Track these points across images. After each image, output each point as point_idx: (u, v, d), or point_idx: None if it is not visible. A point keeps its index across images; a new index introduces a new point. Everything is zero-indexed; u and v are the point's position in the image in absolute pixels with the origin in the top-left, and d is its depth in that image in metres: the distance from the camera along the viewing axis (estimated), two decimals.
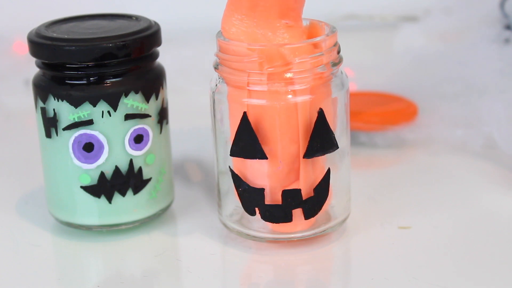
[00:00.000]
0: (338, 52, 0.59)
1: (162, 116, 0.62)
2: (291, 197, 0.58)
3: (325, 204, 0.60)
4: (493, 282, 0.56)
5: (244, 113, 0.57)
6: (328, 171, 0.59)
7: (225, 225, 0.62)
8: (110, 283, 0.58)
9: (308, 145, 0.57)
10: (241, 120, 0.57)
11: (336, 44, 0.59)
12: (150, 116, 0.61)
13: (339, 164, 0.60)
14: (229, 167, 0.59)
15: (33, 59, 0.61)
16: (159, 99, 0.62)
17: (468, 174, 0.70)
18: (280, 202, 0.58)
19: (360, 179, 0.69)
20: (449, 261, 0.58)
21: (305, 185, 0.58)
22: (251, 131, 0.57)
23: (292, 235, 0.59)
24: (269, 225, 0.59)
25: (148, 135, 0.61)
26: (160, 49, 0.63)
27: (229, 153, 0.58)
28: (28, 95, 0.68)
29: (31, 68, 0.64)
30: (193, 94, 0.90)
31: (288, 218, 0.59)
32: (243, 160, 0.58)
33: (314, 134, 0.57)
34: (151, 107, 0.61)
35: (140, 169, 0.61)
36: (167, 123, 0.63)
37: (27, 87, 0.90)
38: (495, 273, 0.57)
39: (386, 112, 0.76)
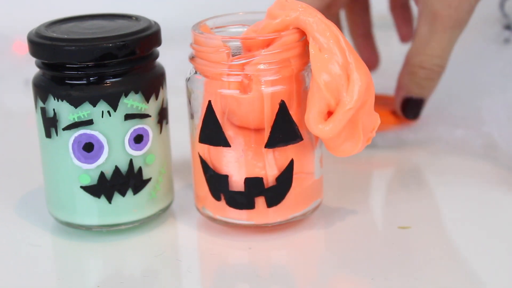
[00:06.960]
0: None
1: (162, 116, 0.62)
2: (254, 185, 0.59)
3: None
4: (493, 282, 0.56)
5: (209, 101, 0.58)
6: (291, 161, 0.59)
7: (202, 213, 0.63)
8: (110, 283, 0.58)
9: (269, 135, 0.58)
10: (206, 109, 0.59)
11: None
12: (150, 116, 0.61)
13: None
14: (198, 153, 0.61)
15: (33, 59, 0.61)
16: (159, 99, 0.62)
17: (468, 174, 0.70)
18: (243, 189, 0.59)
19: (360, 179, 0.69)
20: (449, 261, 0.58)
21: (268, 174, 0.59)
22: (215, 120, 0.59)
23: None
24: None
25: (148, 135, 0.61)
26: (160, 49, 0.63)
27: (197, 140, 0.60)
28: (28, 95, 0.68)
29: (31, 68, 0.64)
30: None
31: (251, 205, 0.60)
32: (209, 147, 0.60)
33: (275, 125, 0.58)
34: (151, 107, 0.61)
35: (140, 169, 0.61)
36: (167, 123, 0.63)
37: (27, 87, 0.90)
38: (495, 273, 0.57)
39: (386, 112, 0.76)
